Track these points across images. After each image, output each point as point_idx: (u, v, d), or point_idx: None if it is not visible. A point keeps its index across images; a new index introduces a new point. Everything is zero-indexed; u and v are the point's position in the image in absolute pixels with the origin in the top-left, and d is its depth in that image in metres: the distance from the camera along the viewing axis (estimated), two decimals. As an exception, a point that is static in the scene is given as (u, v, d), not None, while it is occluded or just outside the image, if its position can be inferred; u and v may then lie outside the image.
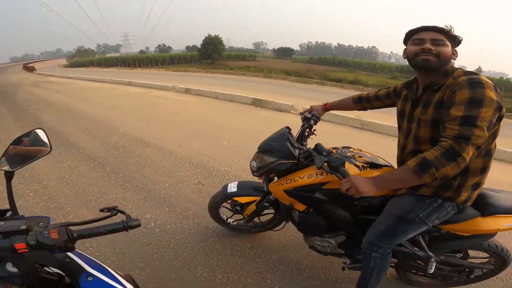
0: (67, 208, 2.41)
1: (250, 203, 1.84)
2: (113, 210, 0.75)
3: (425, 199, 1.15)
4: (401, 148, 1.27)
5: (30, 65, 31.83)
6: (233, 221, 2.03)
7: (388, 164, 1.39)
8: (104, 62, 33.13)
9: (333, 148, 1.45)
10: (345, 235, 1.47)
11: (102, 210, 0.76)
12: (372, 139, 4.69)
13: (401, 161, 1.28)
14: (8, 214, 0.77)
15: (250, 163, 1.57)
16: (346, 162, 1.29)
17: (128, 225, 0.70)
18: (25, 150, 0.85)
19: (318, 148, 1.34)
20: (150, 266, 1.79)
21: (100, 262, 0.83)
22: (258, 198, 1.77)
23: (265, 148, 1.49)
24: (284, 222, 1.83)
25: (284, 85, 10.52)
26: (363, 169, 1.31)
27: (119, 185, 2.84)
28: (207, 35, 31.30)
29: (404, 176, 1.01)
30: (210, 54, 30.19)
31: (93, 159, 3.45)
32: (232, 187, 1.75)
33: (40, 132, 0.90)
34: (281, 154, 1.41)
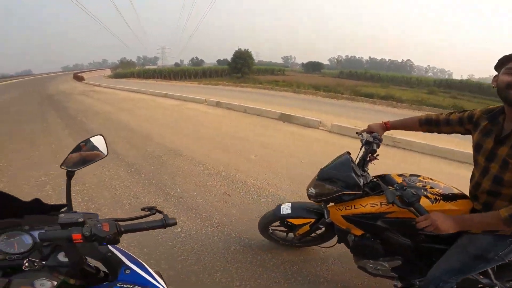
0: (105, 209, 2.64)
1: (304, 224, 1.82)
2: (152, 210, 0.86)
3: (506, 238, 1.09)
4: (475, 185, 1.15)
5: (79, 74, 34.71)
6: (282, 240, 2.05)
7: (463, 194, 1.29)
8: (143, 73, 35.58)
9: (399, 175, 1.38)
10: (401, 259, 1.40)
11: (143, 209, 0.86)
12: (406, 158, 4.51)
13: (474, 197, 1.18)
14: (64, 209, 0.85)
15: (308, 189, 1.54)
16: None
17: (166, 223, 0.79)
18: (85, 154, 0.95)
19: (387, 179, 1.29)
20: (173, 269, 1.90)
21: (136, 257, 0.90)
22: (312, 220, 1.76)
23: (326, 177, 1.44)
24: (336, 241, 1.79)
25: (313, 100, 10.53)
26: (436, 202, 1.21)
27: (152, 190, 3.04)
28: (237, 49, 32.33)
29: (493, 223, 0.99)
30: (240, 68, 31.06)
31: (130, 166, 3.73)
32: (286, 209, 1.75)
33: (100, 138, 1.00)
34: (344, 184, 1.36)
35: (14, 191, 0.78)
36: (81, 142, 0.96)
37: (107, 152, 1.01)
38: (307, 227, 1.80)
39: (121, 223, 0.78)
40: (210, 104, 8.72)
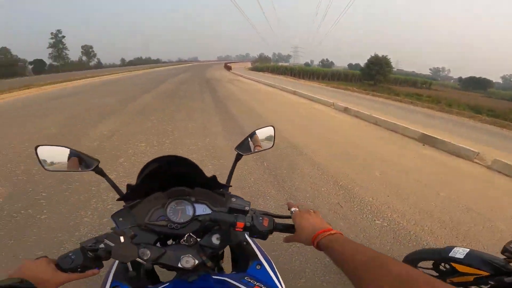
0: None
1: (470, 274, 1.62)
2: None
3: None
4: None
5: (228, 64, 41.17)
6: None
7: None
8: (276, 69, 38.71)
9: None
10: None
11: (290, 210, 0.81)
12: None
13: None
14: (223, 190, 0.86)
15: (508, 247, 1.37)
16: None
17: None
18: (255, 142, 1.02)
19: None
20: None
21: (268, 255, 0.84)
22: (484, 274, 1.54)
23: None
24: None
25: (469, 125, 8.27)
26: None
27: (269, 181, 3.26)
28: (373, 55, 29.76)
29: None
30: (374, 75, 28.60)
31: (259, 153, 4.16)
32: (459, 253, 1.58)
33: (270, 130, 1.03)
34: None
35: (171, 153, 0.85)
36: (256, 129, 1.03)
37: (273, 144, 1.02)
38: (470, 278, 1.54)
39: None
40: (338, 108, 8.45)
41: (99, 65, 77.66)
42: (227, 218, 0.69)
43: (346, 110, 8.00)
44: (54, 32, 66.37)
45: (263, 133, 1.03)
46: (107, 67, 65.68)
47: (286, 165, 3.78)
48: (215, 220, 0.69)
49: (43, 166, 0.85)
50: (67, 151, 0.86)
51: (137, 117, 6.35)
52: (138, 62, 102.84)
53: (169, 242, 0.80)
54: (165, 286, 0.66)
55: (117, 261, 0.76)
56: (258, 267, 0.76)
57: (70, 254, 0.62)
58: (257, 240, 0.87)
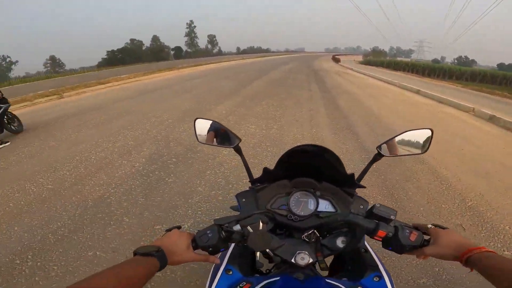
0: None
1: None
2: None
3: None
4: None
5: (336, 56, 39.59)
6: None
7: None
8: (393, 64, 33.98)
9: None
10: None
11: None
12: None
13: None
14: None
15: None
16: None
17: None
18: (405, 144, 0.90)
19: None
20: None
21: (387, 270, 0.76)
22: None
23: None
24: None
25: None
26: None
27: (378, 185, 2.93)
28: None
29: None
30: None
31: (366, 151, 3.78)
32: None
33: (427, 133, 0.89)
34: None
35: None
36: (408, 130, 0.90)
37: (425, 150, 0.88)
38: None
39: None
40: (480, 116, 6.62)
41: (220, 53, 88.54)
42: (367, 223, 0.63)
43: (491, 119, 6.18)
44: (188, 22, 79.79)
45: (415, 135, 0.90)
46: (226, 55, 74.25)
47: (400, 171, 3.27)
48: (351, 222, 0.63)
49: (196, 138, 0.94)
50: (217, 125, 0.92)
51: (249, 101, 6.90)
52: (250, 51, 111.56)
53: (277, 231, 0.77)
54: (275, 279, 0.63)
55: (233, 244, 0.76)
56: (376, 279, 0.68)
57: (207, 232, 0.63)
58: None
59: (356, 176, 0.79)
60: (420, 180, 3.13)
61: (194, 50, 77.96)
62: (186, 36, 79.63)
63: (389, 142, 0.88)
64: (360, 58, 53.02)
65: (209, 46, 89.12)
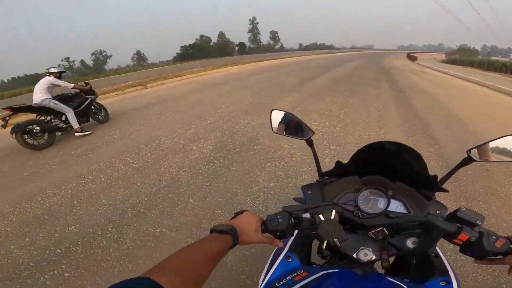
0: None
1: None
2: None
3: None
4: None
5: (412, 54, 35.51)
6: None
7: None
8: (486, 64, 28.63)
9: None
10: None
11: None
12: None
13: None
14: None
15: None
16: None
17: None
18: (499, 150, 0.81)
19: None
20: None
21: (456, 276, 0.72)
22: None
23: None
24: None
25: None
26: None
27: (456, 195, 2.52)
28: None
29: None
30: None
31: (444, 159, 3.31)
32: None
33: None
34: None
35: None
36: (507, 135, 0.79)
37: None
38: None
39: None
40: None
41: (281, 49, 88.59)
42: (447, 226, 0.59)
43: None
44: (251, 18, 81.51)
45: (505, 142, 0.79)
46: (288, 51, 73.88)
47: (484, 183, 2.74)
48: (429, 223, 0.60)
49: (271, 127, 0.97)
50: (291, 117, 0.94)
51: (312, 98, 6.74)
52: (313, 47, 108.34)
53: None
54: (333, 271, 0.63)
55: (296, 233, 0.76)
56: (442, 283, 0.65)
57: (278, 217, 0.63)
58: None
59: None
60: (509, 193, 2.63)
61: (257, 46, 79.68)
62: (249, 32, 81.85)
63: (482, 146, 0.81)
64: (443, 56, 46.67)
65: (271, 42, 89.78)
